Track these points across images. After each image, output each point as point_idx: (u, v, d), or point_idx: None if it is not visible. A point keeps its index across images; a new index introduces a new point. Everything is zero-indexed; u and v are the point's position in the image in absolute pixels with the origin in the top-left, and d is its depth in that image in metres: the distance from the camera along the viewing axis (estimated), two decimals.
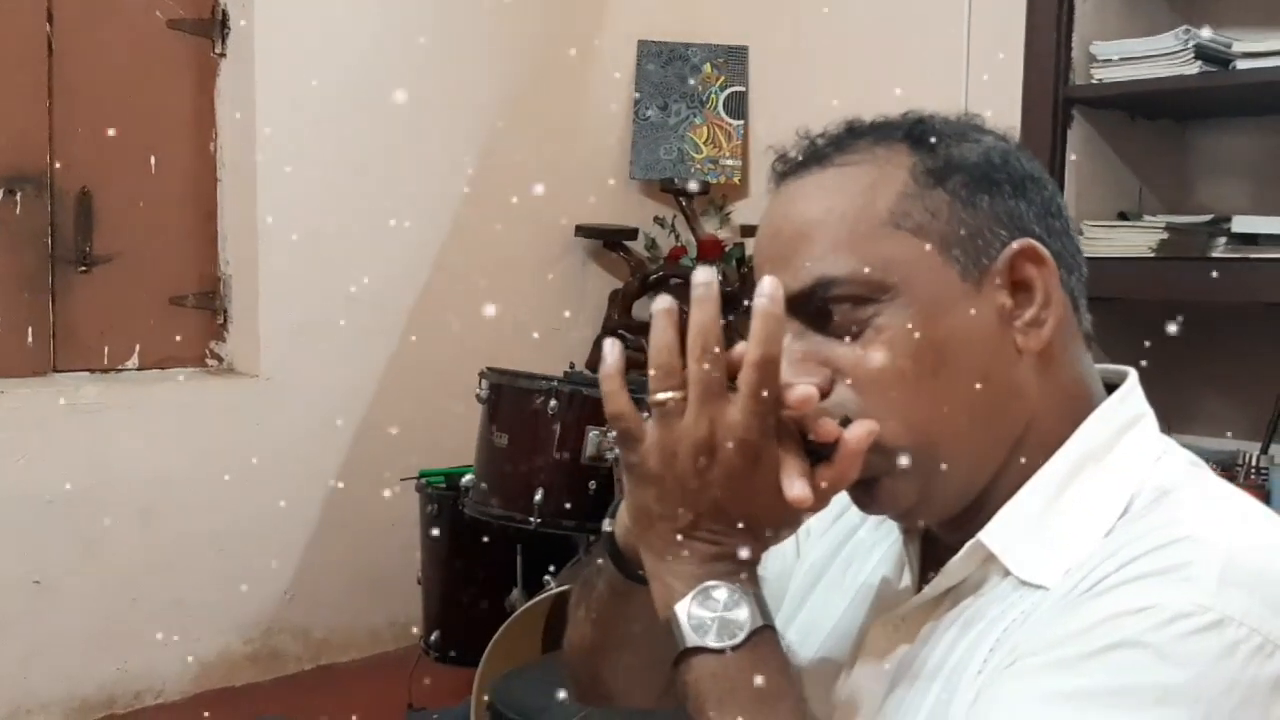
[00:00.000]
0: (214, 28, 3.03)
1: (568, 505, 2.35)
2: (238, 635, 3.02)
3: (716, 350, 0.66)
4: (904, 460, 0.71)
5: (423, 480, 2.82)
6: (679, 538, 0.69)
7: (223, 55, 3.05)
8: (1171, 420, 2.79)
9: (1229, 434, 2.49)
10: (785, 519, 0.70)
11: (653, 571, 0.71)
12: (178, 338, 3.05)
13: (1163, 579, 0.63)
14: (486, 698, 1.91)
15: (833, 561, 0.87)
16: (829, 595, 0.86)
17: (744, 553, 0.69)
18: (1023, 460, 0.73)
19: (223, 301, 3.10)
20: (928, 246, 0.71)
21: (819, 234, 0.72)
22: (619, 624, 0.84)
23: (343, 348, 3.11)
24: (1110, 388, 0.78)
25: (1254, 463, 2.29)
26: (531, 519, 2.36)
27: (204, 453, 2.93)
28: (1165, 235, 2.31)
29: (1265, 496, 2.27)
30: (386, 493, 2.96)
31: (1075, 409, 0.74)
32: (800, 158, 0.77)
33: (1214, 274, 2.16)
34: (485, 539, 2.58)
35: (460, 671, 2.69)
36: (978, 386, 0.71)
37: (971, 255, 0.72)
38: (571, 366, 2.81)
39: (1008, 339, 0.72)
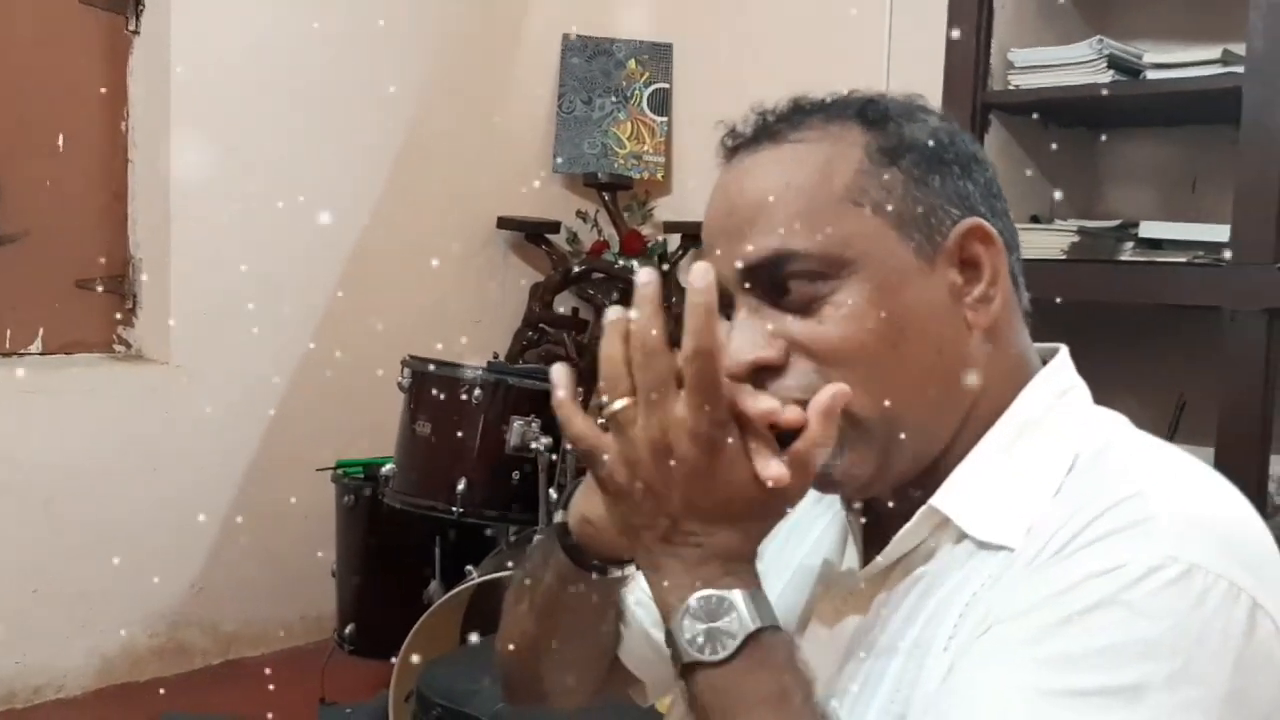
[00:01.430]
0: (128, 4, 2.95)
1: (491, 495, 2.33)
2: (143, 628, 2.94)
3: (654, 350, 0.66)
4: (862, 432, 0.72)
5: (339, 471, 2.78)
6: (664, 546, 0.68)
7: (136, 33, 2.97)
8: None
9: None
10: (766, 507, 0.69)
11: (651, 585, 0.70)
12: (84, 322, 2.96)
13: (1127, 535, 0.64)
14: (412, 687, 1.89)
15: (769, 543, 0.88)
16: (766, 577, 0.86)
17: (732, 549, 0.68)
18: (971, 429, 0.75)
19: (132, 285, 3.02)
20: (884, 224, 0.72)
21: (776, 209, 0.72)
22: (564, 616, 0.84)
23: (257, 335, 3.04)
24: (1044, 363, 0.80)
25: None
26: (454, 509, 2.34)
27: (110, 441, 2.85)
28: (1076, 238, 2.38)
29: None
30: (300, 483, 2.92)
31: (1016, 380, 0.76)
32: (751, 133, 0.77)
33: (1121, 276, 2.24)
34: (403, 530, 2.56)
35: (374, 665, 2.66)
36: (932, 360, 0.72)
37: (925, 233, 0.73)
38: (495, 356, 2.79)
39: (958, 315, 0.74)
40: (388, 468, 2.47)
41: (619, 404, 0.67)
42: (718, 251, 0.74)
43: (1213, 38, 2.25)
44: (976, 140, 0.80)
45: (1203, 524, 0.65)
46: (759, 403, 0.67)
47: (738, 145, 0.78)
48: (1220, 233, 2.14)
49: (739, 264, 0.72)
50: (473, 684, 1.71)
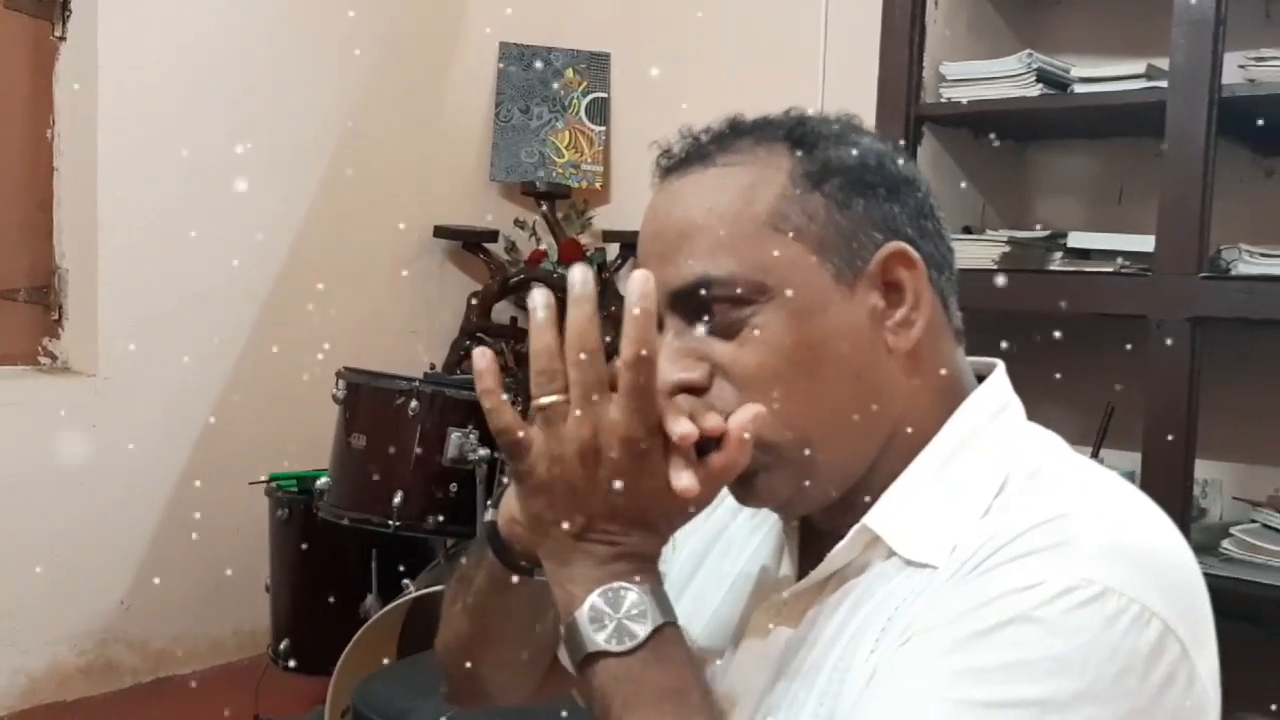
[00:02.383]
0: (54, 9, 2.88)
1: (428, 508, 2.31)
2: (69, 646, 2.87)
3: (594, 350, 0.67)
4: (780, 454, 0.73)
5: (273, 484, 2.74)
6: (575, 542, 0.69)
7: (63, 38, 2.90)
8: None
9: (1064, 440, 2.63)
10: (677, 512, 0.70)
11: (553, 578, 0.71)
12: (8, 334, 2.89)
13: (1046, 556, 0.66)
14: (348, 702, 1.87)
15: (710, 551, 0.89)
16: (706, 585, 0.87)
17: (641, 550, 0.70)
18: (898, 451, 0.76)
19: (58, 296, 2.95)
20: (804, 249, 0.74)
21: (700, 234, 0.73)
22: (497, 617, 0.84)
23: (187, 346, 2.99)
24: (981, 379, 0.81)
25: None
26: (391, 522, 2.31)
27: (35, 455, 2.78)
28: (1007, 249, 2.42)
29: None
30: (232, 497, 2.87)
31: (947, 401, 0.77)
32: (684, 154, 0.78)
33: (1051, 286, 2.28)
34: (339, 544, 2.53)
35: (309, 680, 2.62)
36: (850, 384, 0.73)
37: (846, 258, 0.74)
38: (432, 367, 2.77)
39: (879, 339, 0.75)
40: (322, 481, 2.44)
41: (550, 399, 0.68)
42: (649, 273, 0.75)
43: (1138, 52, 2.30)
44: (911, 161, 0.81)
45: (1122, 548, 0.66)
46: (679, 426, 0.68)
47: (669, 167, 0.79)
48: (1146, 243, 2.19)
49: (665, 288, 0.73)
50: (409, 700, 1.69)
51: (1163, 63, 2.16)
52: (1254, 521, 2.28)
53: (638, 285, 0.67)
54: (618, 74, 3.56)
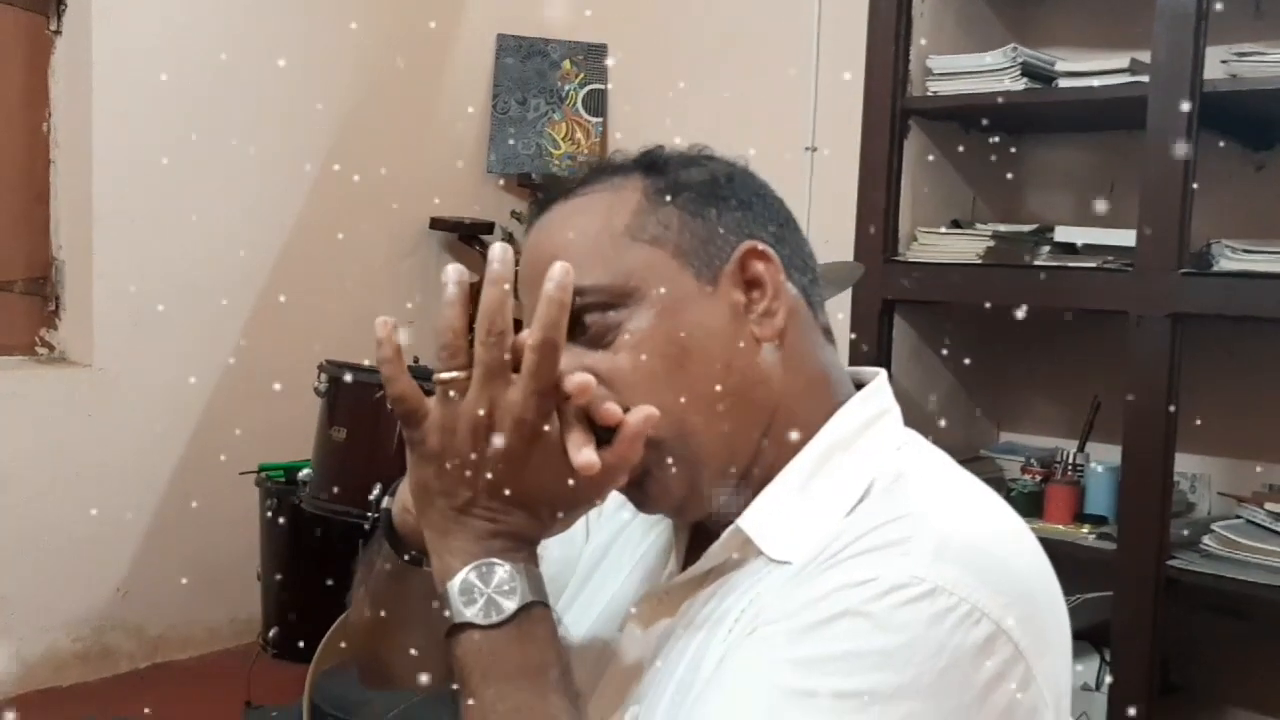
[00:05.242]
0: (49, 3, 2.91)
1: None
2: (66, 633, 2.91)
3: (503, 332, 0.69)
4: (665, 450, 0.75)
5: (262, 474, 2.77)
6: (457, 515, 0.71)
7: (58, 32, 2.93)
8: (1001, 420, 2.89)
9: (1050, 433, 2.63)
10: (565, 501, 0.72)
11: (432, 548, 0.73)
12: (5, 325, 2.93)
13: (884, 553, 0.68)
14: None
15: (613, 545, 0.92)
16: (606, 576, 0.90)
17: (522, 531, 0.71)
18: (775, 447, 0.78)
19: (54, 288, 2.99)
20: (664, 254, 0.78)
21: (566, 253, 0.76)
22: (397, 604, 0.86)
23: (182, 338, 3.02)
24: (862, 387, 0.84)
25: (1070, 460, 2.41)
26: (370, 514, 2.33)
27: (32, 444, 2.82)
28: (992, 243, 2.41)
29: (1080, 491, 2.40)
30: (226, 487, 2.90)
31: (823, 397, 0.80)
32: (548, 196, 0.84)
33: (1034, 281, 2.26)
34: (326, 535, 2.55)
35: (299, 669, 2.64)
36: (722, 375, 0.76)
37: (704, 259, 0.78)
38: (416, 360, 2.78)
39: (744, 330, 0.78)
40: (304, 473, 2.47)
41: (451, 374, 0.70)
42: (526, 303, 0.78)
43: (1122, 46, 2.29)
44: (765, 184, 0.85)
45: (958, 549, 0.68)
46: (575, 378, 0.70)
47: (539, 207, 0.84)
48: (1132, 238, 2.17)
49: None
50: (363, 694, 1.71)
51: (1146, 57, 2.14)
52: (1239, 518, 2.27)
53: (557, 275, 0.69)
54: (615, 65, 3.57)
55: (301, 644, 2.59)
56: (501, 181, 3.65)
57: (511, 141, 3.58)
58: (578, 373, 0.71)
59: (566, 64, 3.58)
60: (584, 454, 0.69)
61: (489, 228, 3.56)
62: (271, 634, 2.69)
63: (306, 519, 2.53)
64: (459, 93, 3.57)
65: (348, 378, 2.44)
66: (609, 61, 3.56)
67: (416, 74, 3.49)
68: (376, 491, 0.83)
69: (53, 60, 2.94)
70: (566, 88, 3.58)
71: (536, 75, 3.59)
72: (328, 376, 2.48)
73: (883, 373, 0.84)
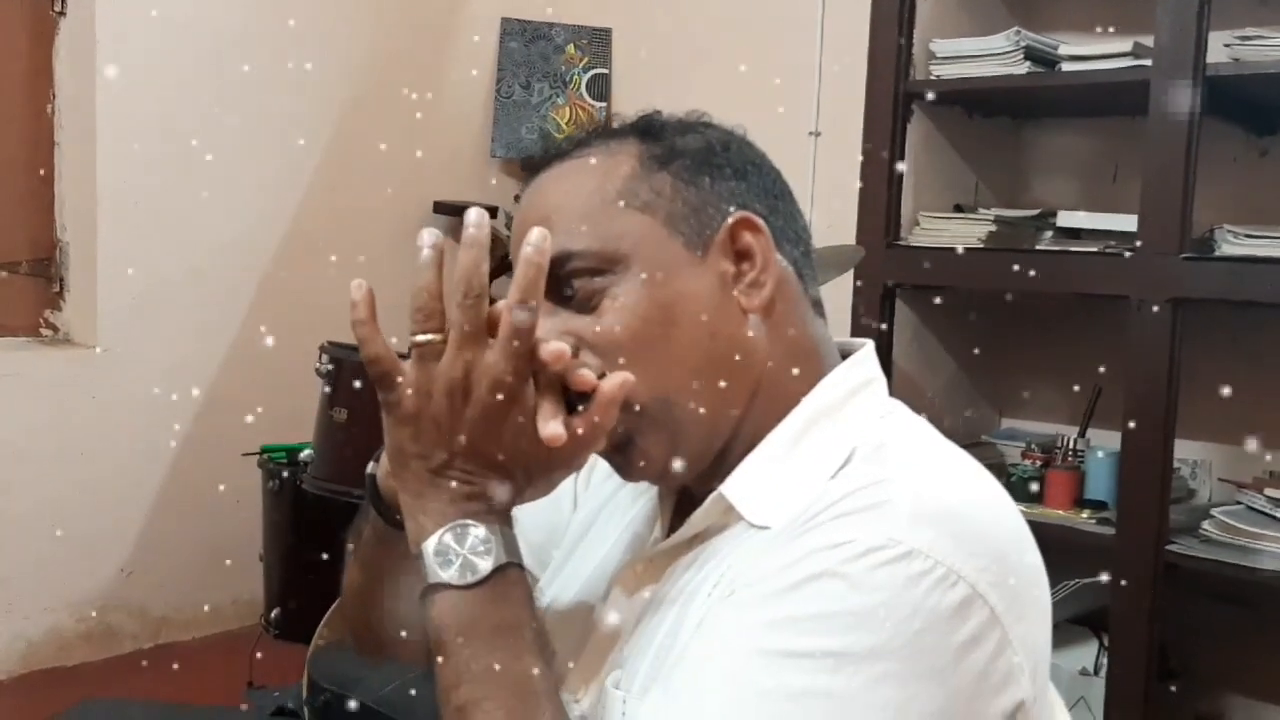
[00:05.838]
0: None
1: None
2: (69, 613, 2.93)
3: (479, 295, 0.69)
4: (648, 416, 0.76)
5: (265, 455, 2.77)
6: (432, 477, 0.71)
7: (62, 14, 2.94)
8: (1002, 406, 2.88)
9: (1051, 418, 2.63)
10: (541, 465, 0.72)
11: (407, 509, 0.73)
12: (10, 306, 2.94)
13: (860, 516, 0.68)
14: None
15: (601, 513, 0.93)
16: (593, 544, 0.91)
17: (497, 494, 0.72)
18: (761, 416, 0.78)
19: (59, 269, 3.00)
20: (654, 222, 0.78)
21: (557, 216, 0.77)
22: (385, 570, 0.86)
23: (185, 319, 3.03)
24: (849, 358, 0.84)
25: (1071, 445, 2.41)
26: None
27: (36, 425, 2.83)
28: (994, 227, 2.41)
29: (1081, 476, 2.39)
30: (229, 468, 2.91)
31: (809, 366, 0.80)
32: (544, 155, 0.84)
33: (1036, 266, 2.26)
34: (328, 515, 2.55)
35: (301, 649, 2.66)
36: (707, 344, 0.76)
37: (695, 228, 0.78)
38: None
39: (732, 301, 0.78)
40: (305, 453, 2.48)
41: (426, 336, 0.70)
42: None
43: (1125, 30, 2.28)
44: (763, 154, 0.85)
45: (935, 513, 0.68)
46: (551, 345, 0.71)
47: (533, 167, 0.83)
48: (1134, 223, 2.17)
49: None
50: (361, 670, 1.72)
51: (1149, 41, 2.13)
52: (1238, 503, 2.27)
53: (534, 239, 0.69)
54: (619, 50, 3.56)
55: (303, 625, 2.61)
56: (505, 165, 3.65)
57: (515, 126, 3.58)
58: (553, 340, 0.71)
59: (571, 48, 3.58)
60: (550, 426, 0.70)
61: (493, 211, 3.55)
62: (274, 615, 2.70)
63: (308, 500, 2.54)
64: (463, 76, 3.57)
65: (349, 359, 2.44)
66: (613, 46, 3.56)
67: (421, 57, 3.48)
68: (372, 466, 0.83)
69: (57, 42, 2.95)
70: (570, 72, 3.57)
71: (540, 59, 3.58)
72: (329, 358, 2.48)
73: (869, 343, 0.84)
